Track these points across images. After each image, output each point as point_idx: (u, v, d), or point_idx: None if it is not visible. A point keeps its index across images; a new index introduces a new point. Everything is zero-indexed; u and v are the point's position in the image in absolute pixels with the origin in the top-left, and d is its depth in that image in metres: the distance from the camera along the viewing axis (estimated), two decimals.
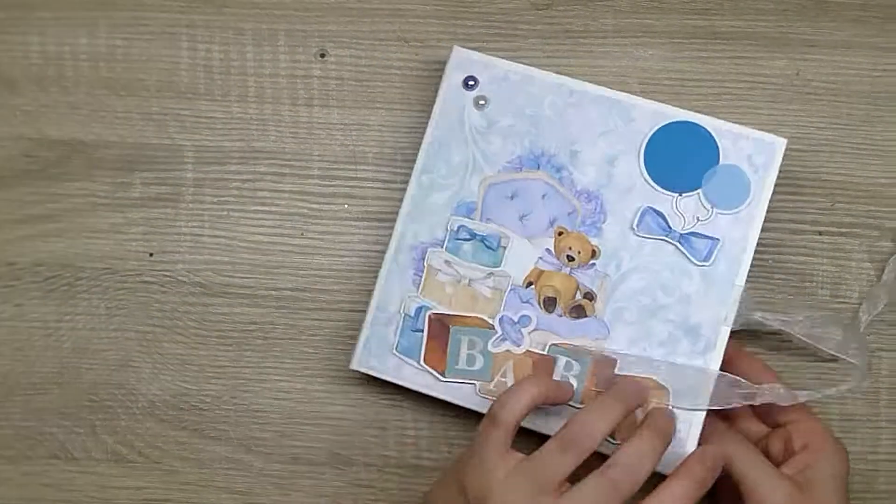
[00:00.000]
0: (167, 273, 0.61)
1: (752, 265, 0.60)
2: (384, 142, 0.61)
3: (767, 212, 0.60)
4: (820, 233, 0.61)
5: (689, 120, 0.57)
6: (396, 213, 0.58)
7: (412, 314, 0.58)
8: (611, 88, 0.58)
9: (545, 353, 0.57)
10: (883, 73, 0.61)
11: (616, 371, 0.56)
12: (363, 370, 0.58)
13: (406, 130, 0.61)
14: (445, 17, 0.61)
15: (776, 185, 0.60)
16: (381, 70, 0.61)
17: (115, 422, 0.60)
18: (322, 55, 0.61)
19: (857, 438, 0.60)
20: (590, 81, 0.61)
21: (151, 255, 0.61)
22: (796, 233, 0.61)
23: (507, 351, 0.57)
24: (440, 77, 0.60)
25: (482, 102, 0.58)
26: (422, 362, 0.57)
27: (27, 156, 0.61)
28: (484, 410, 0.55)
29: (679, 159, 0.57)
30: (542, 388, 0.53)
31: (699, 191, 0.57)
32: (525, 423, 0.54)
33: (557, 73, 0.60)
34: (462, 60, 0.58)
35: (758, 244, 0.60)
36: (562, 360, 0.57)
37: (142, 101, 0.61)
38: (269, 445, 0.60)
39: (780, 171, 0.59)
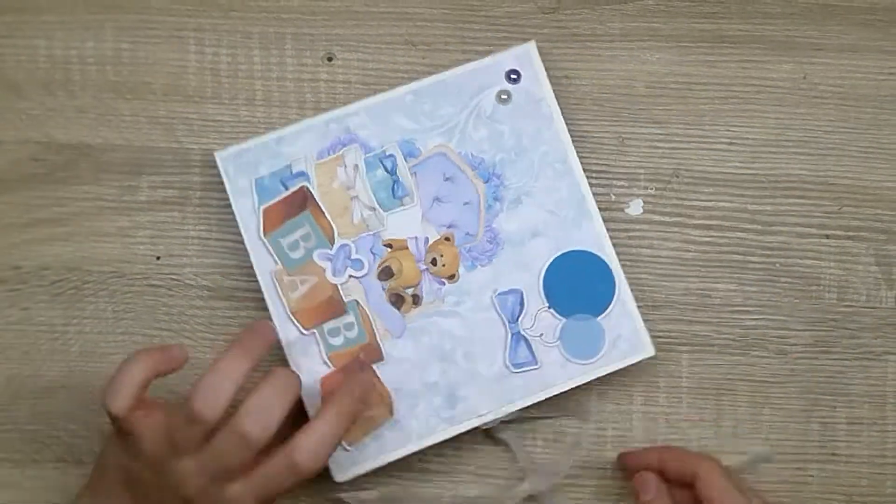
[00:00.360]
0: (174, 276, 0.61)
1: (758, 270, 0.61)
2: None
3: (775, 215, 0.60)
4: (827, 236, 0.61)
5: (612, 271, 0.58)
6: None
7: (293, 172, 0.58)
8: (599, 197, 0.59)
9: (345, 300, 0.57)
10: (889, 76, 0.61)
11: (374, 372, 0.57)
12: (220, 165, 0.57)
13: None
14: (453, 20, 0.61)
15: (783, 191, 0.60)
16: (389, 73, 0.61)
17: None
18: (329, 59, 0.61)
19: (863, 442, 0.60)
20: (597, 85, 0.61)
21: (159, 258, 0.61)
22: (803, 236, 0.61)
23: (323, 270, 0.57)
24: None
25: (504, 97, 0.58)
26: (261, 207, 0.57)
27: (34, 159, 0.61)
28: (266, 293, 0.57)
29: (577, 285, 0.58)
30: (146, 368, 0.51)
31: (564, 320, 0.58)
32: None
33: (565, 77, 0.61)
34: (523, 55, 0.59)
35: (764, 247, 0.61)
36: (350, 316, 0.57)
37: (149, 104, 0.61)
38: None
39: (783, 180, 0.59)
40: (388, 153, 0.58)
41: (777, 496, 0.60)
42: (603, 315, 0.58)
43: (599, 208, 0.60)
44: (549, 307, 0.58)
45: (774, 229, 0.61)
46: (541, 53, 0.61)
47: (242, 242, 0.59)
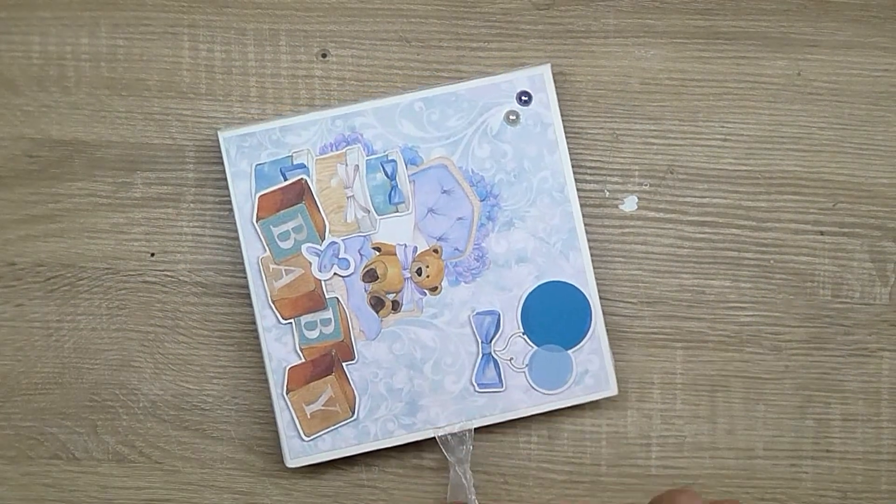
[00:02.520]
0: (169, 273, 0.61)
1: (753, 266, 0.61)
2: None
3: (770, 212, 0.60)
4: (822, 233, 0.61)
5: (591, 306, 0.58)
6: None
7: (293, 163, 0.58)
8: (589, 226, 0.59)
9: (327, 296, 0.58)
10: (884, 72, 0.61)
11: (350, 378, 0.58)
12: (222, 144, 0.58)
13: None
14: (447, 17, 0.61)
15: (778, 187, 0.60)
16: (383, 70, 0.61)
17: (117, 422, 0.60)
18: (323, 55, 0.61)
19: (858, 439, 0.60)
20: (591, 81, 0.61)
21: (153, 255, 0.61)
22: (798, 233, 0.61)
23: (310, 264, 0.58)
24: (441, 76, 0.60)
25: (513, 118, 0.58)
26: (257, 195, 0.58)
27: (28, 156, 0.61)
28: (250, 278, 0.57)
29: (554, 315, 0.58)
30: None
31: (535, 348, 0.58)
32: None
33: (559, 73, 0.61)
34: (537, 78, 0.58)
35: (759, 244, 0.61)
36: (328, 312, 0.58)
37: (143, 100, 0.61)
38: (270, 445, 0.60)
39: (778, 176, 0.59)
40: (389, 158, 0.58)
41: (771, 493, 0.60)
42: (574, 348, 0.58)
43: (594, 205, 0.61)
44: (524, 333, 0.58)
45: (769, 226, 0.61)
46: (535, 50, 0.61)
47: (237, 239, 0.59)
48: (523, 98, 0.59)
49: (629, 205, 0.61)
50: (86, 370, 0.60)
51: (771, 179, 0.61)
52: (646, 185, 0.61)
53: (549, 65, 0.59)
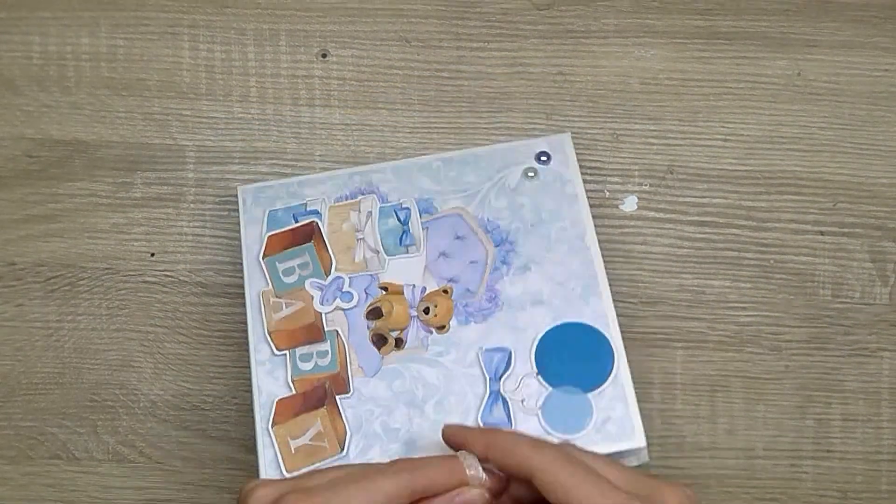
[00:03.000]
0: (169, 273, 0.61)
1: (753, 266, 0.61)
2: (385, 142, 0.61)
3: (770, 212, 0.60)
4: (822, 233, 0.61)
5: (613, 350, 0.54)
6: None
7: (308, 209, 0.57)
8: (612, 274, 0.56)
9: (324, 329, 0.55)
10: (884, 72, 0.61)
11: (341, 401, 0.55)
12: (240, 196, 0.57)
13: (408, 131, 0.61)
14: (447, 17, 0.61)
15: (778, 188, 0.60)
16: (383, 70, 0.61)
17: (117, 422, 0.60)
18: (323, 55, 0.61)
19: (858, 439, 0.60)
20: (591, 81, 0.61)
21: (153, 255, 0.61)
22: (798, 232, 0.61)
23: (312, 298, 0.56)
24: (442, 76, 0.60)
25: (531, 175, 0.58)
26: (267, 233, 0.57)
27: (28, 156, 0.61)
28: (249, 310, 0.56)
29: (572, 357, 0.54)
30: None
31: (550, 390, 0.54)
32: None
33: (559, 73, 0.61)
34: (556, 144, 0.58)
35: (759, 244, 0.61)
36: (326, 345, 0.55)
37: (143, 101, 0.61)
38: None
39: (778, 176, 0.59)
40: (404, 206, 0.57)
41: (771, 493, 0.60)
42: (594, 392, 0.54)
43: (593, 204, 0.60)
44: (538, 374, 0.54)
45: (769, 226, 0.61)
46: (535, 50, 0.61)
47: (237, 239, 0.59)
48: (542, 158, 0.58)
49: (629, 205, 0.61)
50: (86, 370, 0.60)
51: (771, 179, 0.61)
52: (646, 185, 0.61)
53: (569, 133, 0.58)
